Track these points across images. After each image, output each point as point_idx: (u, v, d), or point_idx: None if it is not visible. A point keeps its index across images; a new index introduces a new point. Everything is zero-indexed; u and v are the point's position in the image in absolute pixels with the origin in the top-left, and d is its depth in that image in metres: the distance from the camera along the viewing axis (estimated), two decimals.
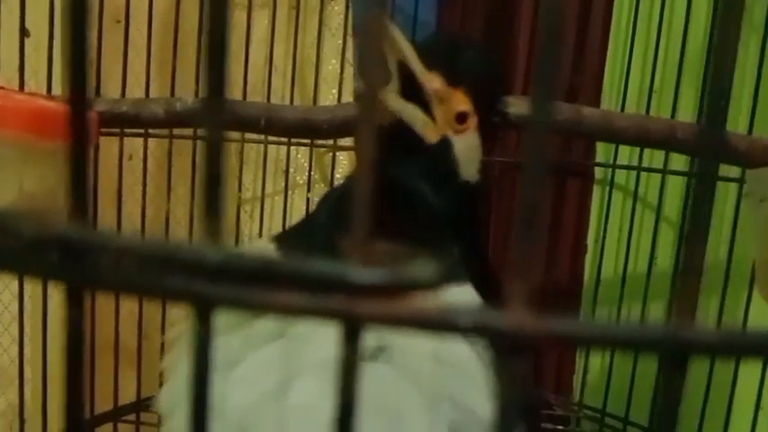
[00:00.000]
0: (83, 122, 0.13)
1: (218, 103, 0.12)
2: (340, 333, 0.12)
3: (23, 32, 0.57)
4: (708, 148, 0.13)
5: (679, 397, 0.12)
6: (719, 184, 0.73)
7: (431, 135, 0.47)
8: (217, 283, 0.12)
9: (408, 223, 0.44)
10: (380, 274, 0.12)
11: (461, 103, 0.47)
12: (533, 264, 0.12)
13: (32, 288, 0.65)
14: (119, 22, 0.74)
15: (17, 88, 0.56)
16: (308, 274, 0.12)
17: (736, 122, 0.72)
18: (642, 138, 0.57)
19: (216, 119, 0.12)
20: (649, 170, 0.75)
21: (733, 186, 0.70)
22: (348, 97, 0.82)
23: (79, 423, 0.13)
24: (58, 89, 0.59)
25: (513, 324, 0.11)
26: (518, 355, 0.12)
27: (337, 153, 0.84)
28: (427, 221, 0.46)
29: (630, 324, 0.11)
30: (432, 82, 0.46)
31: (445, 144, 0.47)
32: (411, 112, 0.46)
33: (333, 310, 0.12)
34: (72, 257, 0.12)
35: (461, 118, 0.47)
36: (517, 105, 0.54)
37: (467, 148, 0.48)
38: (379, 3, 0.12)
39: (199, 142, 0.73)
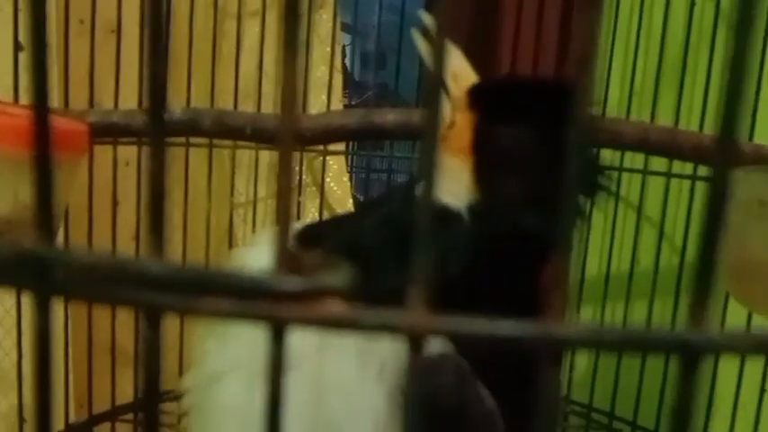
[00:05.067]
0: (46, 146, 0.15)
1: (160, 124, 0.14)
2: (267, 335, 0.14)
3: (17, 47, 0.59)
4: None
5: (556, 390, 0.14)
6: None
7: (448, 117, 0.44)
8: (162, 292, 0.14)
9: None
10: (299, 282, 0.14)
11: (463, 120, 0.44)
12: (430, 270, 0.14)
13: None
14: (113, 32, 0.76)
15: (11, 102, 0.58)
16: (239, 283, 0.14)
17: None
18: (617, 140, 0.59)
19: (159, 141, 0.14)
20: (630, 171, 0.77)
21: None
22: (337, 103, 0.84)
23: (48, 427, 0.15)
24: (52, 102, 0.61)
25: (409, 323, 0.13)
26: (417, 350, 0.14)
27: (327, 157, 0.86)
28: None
29: (507, 322, 0.13)
30: (455, 87, 0.44)
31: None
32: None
33: (258, 314, 0.14)
34: (37, 270, 0.14)
35: (450, 126, 0.44)
36: None
37: (449, 165, 0.42)
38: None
39: (144, 154, 0.75)
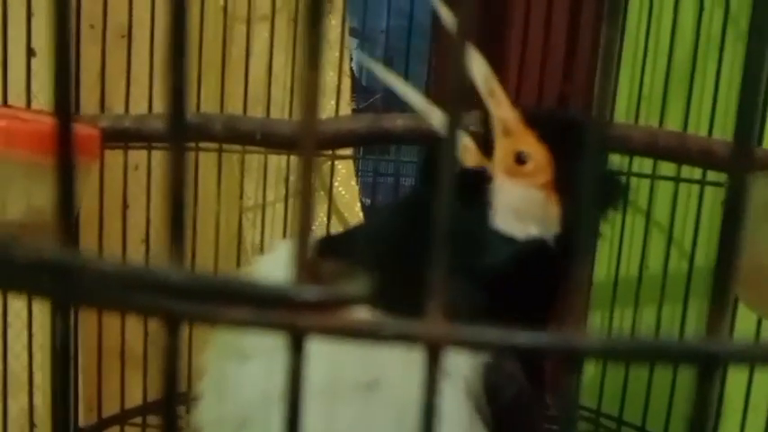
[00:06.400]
0: (69, 154, 0.15)
1: (180, 130, 0.14)
2: (286, 344, 0.14)
3: (30, 52, 0.59)
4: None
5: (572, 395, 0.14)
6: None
7: (468, 157, 0.42)
8: (182, 300, 0.14)
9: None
10: (319, 291, 0.14)
11: (528, 144, 0.42)
12: (446, 282, 0.14)
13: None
14: (123, 37, 0.76)
15: (24, 107, 0.58)
16: (258, 291, 0.14)
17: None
18: (625, 145, 0.58)
19: (180, 148, 0.15)
20: (639, 176, 0.77)
21: None
22: (345, 107, 0.85)
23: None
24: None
25: (427, 333, 0.14)
26: (435, 360, 0.14)
27: (336, 162, 0.86)
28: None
29: (524, 332, 0.13)
30: (499, 108, 0.42)
31: (481, 176, 0.41)
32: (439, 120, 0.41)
33: (277, 323, 0.14)
34: (58, 277, 0.14)
35: (520, 159, 0.41)
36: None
37: (516, 196, 0.41)
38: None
39: (154, 158, 0.75)
